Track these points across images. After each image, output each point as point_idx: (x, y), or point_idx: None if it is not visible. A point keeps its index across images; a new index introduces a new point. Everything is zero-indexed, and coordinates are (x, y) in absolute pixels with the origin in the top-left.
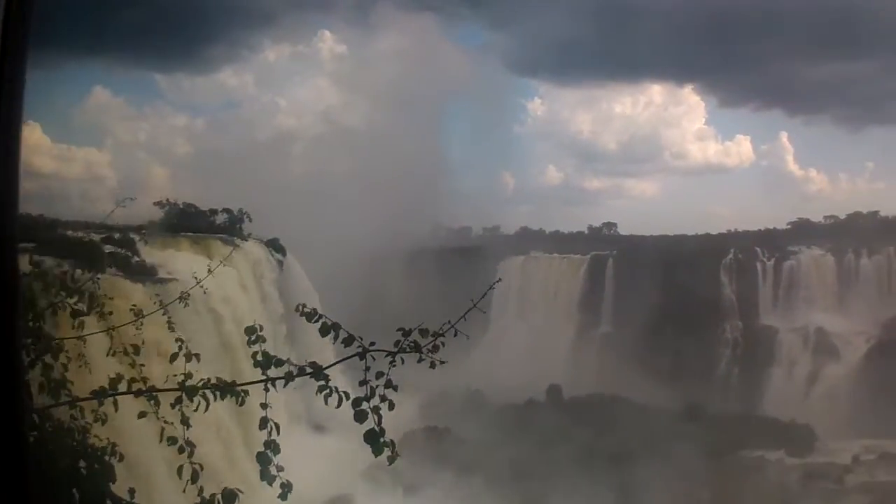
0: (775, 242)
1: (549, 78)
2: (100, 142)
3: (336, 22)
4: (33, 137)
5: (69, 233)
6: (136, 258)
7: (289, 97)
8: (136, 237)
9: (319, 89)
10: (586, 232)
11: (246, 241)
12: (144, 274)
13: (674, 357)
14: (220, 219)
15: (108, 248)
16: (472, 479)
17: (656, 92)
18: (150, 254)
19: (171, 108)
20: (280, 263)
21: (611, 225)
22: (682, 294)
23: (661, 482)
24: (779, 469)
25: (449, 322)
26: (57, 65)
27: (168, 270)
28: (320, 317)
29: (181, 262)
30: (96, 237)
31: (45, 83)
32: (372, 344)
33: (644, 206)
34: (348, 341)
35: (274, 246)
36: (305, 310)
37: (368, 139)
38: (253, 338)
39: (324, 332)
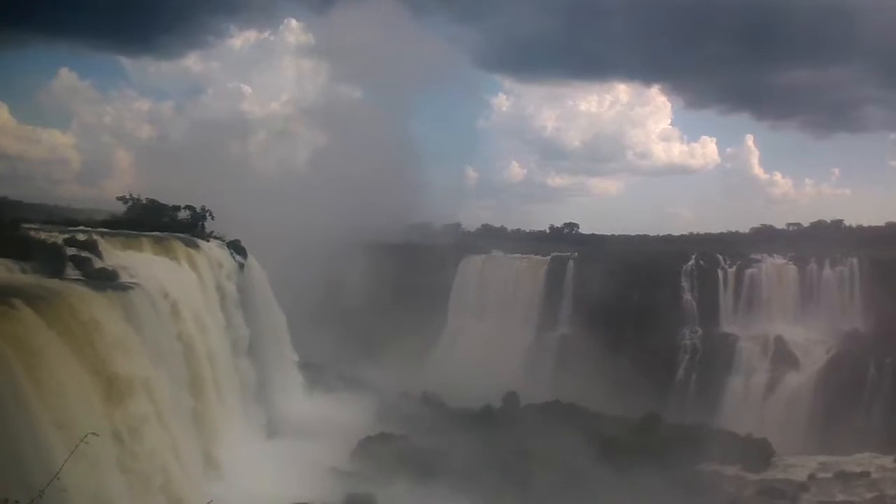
0: (737, 247)
1: (515, 74)
2: (65, 124)
3: (302, 10)
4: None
5: (31, 233)
6: (99, 261)
7: (254, 84)
8: (98, 238)
9: (284, 78)
10: (547, 231)
11: (207, 241)
12: (106, 278)
13: (632, 362)
14: (183, 215)
15: (70, 251)
16: (429, 487)
17: (622, 91)
18: (111, 254)
19: (137, 91)
20: (241, 266)
21: (572, 225)
22: (642, 298)
23: (615, 496)
24: (735, 484)
25: None
26: (23, 45)
27: (130, 273)
28: None
29: (143, 264)
30: (59, 238)
31: (10, 64)
32: None
33: (606, 205)
34: None
35: (235, 248)
36: None
37: (332, 130)
38: None
39: None
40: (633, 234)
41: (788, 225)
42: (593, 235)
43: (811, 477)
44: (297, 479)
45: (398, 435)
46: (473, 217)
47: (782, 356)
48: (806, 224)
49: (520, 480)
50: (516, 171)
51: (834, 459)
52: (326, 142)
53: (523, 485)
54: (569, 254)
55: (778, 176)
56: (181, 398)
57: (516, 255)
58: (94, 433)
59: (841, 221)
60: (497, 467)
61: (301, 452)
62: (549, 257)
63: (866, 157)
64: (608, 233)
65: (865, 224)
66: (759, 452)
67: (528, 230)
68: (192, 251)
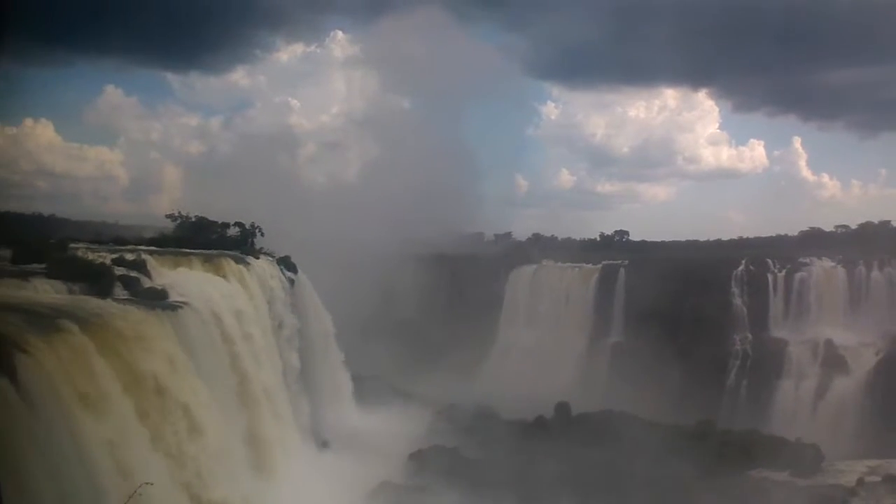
0: (786, 251)
1: (564, 81)
2: (112, 141)
3: (349, 22)
4: (45, 136)
5: (80, 252)
6: (148, 280)
7: (302, 97)
8: (147, 256)
9: (332, 90)
10: (598, 239)
11: (258, 258)
12: (155, 297)
13: (683, 369)
14: (232, 231)
15: (119, 271)
16: (482, 499)
17: (670, 96)
18: (160, 273)
19: (184, 107)
20: (291, 282)
21: (622, 232)
22: (693, 304)
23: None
24: (784, 490)
25: None
26: (68, 63)
27: (179, 293)
28: None
29: (193, 282)
30: (108, 257)
31: (56, 82)
32: None
33: (656, 211)
34: None
35: (285, 264)
36: None
37: (382, 141)
38: None
39: None
40: (682, 239)
41: (836, 227)
42: (644, 242)
43: (860, 482)
44: (348, 491)
45: (450, 447)
46: (524, 226)
47: (832, 360)
48: (854, 226)
49: (573, 491)
50: (566, 178)
51: (882, 463)
52: (377, 153)
53: (577, 494)
54: (620, 261)
55: (826, 178)
56: (231, 414)
57: (567, 263)
58: (148, 482)
59: (888, 222)
60: (550, 478)
61: (353, 465)
62: (600, 265)
63: None
64: (658, 239)
65: None
66: (808, 458)
67: (578, 238)
68: (242, 268)
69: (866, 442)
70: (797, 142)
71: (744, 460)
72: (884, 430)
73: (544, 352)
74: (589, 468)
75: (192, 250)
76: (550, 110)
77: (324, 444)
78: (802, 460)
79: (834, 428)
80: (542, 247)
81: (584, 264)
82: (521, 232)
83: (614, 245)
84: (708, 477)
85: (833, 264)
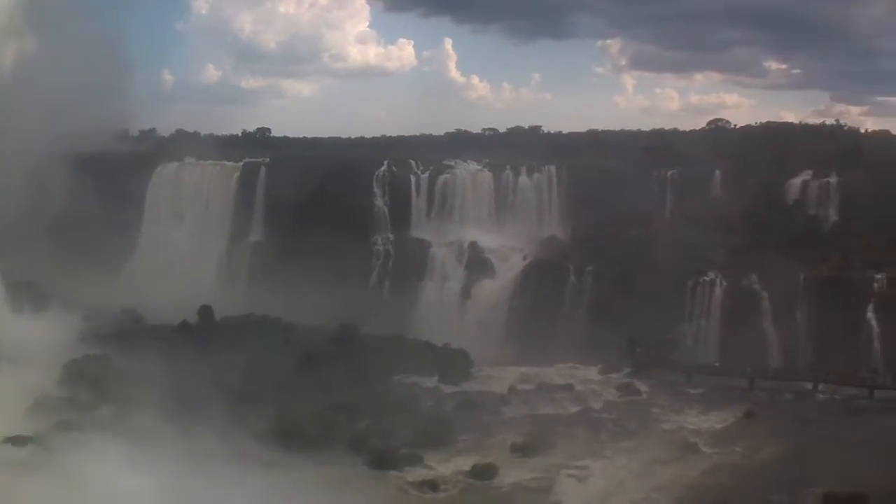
0: (432, 152)
1: None
2: None
3: None
4: None
5: None
6: None
7: None
8: None
9: None
10: (240, 135)
11: None
12: None
13: (326, 269)
14: None
15: None
16: (135, 409)
17: None
18: None
19: None
20: None
21: (264, 129)
22: (334, 204)
23: (315, 409)
24: (434, 397)
25: None
26: None
27: None
28: None
29: None
30: None
31: None
32: None
33: (301, 107)
34: None
35: None
36: None
37: (35, 34)
38: None
39: None
40: (325, 136)
41: (485, 129)
42: (286, 138)
43: (512, 389)
44: (4, 410)
45: (101, 356)
46: (170, 122)
47: (477, 263)
48: (503, 129)
49: (221, 398)
50: (211, 73)
51: (535, 371)
52: (31, 47)
53: (224, 401)
54: (261, 159)
55: (475, 79)
56: None
57: (209, 161)
58: None
59: (539, 128)
60: (197, 386)
61: (10, 379)
62: (241, 163)
63: (571, 64)
64: (301, 136)
65: (566, 131)
66: (457, 364)
67: (221, 135)
68: None
69: (516, 347)
70: (448, 43)
71: (391, 365)
72: (532, 335)
73: (187, 252)
74: (233, 374)
75: None
76: (201, 4)
77: None
78: (451, 366)
79: (482, 332)
80: (186, 143)
81: (226, 162)
82: (166, 128)
83: (257, 142)
84: (356, 383)
85: (479, 167)
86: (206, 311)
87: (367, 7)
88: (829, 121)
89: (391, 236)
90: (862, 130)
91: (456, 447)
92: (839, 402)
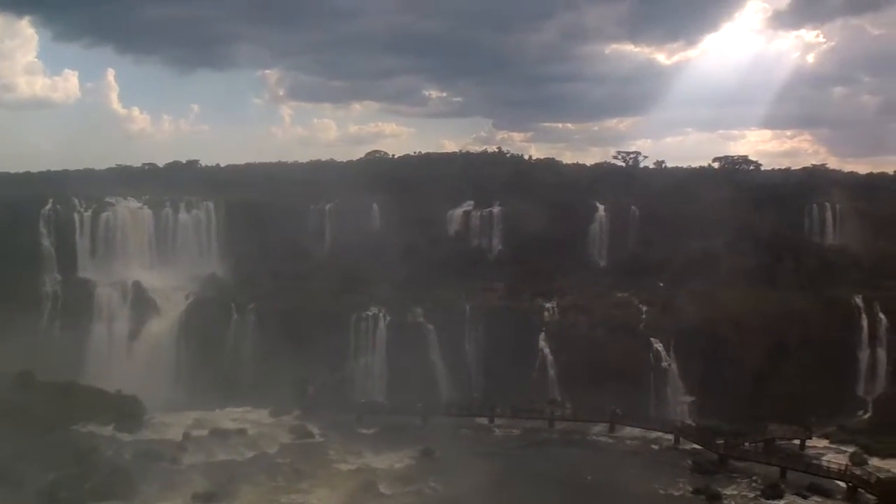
0: (94, 189)
1: None
2: None
3: None
4: None
5: None
6: None
7: None
8: None
9: None
10: None
11: None
12: None
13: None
14: None
15: None
16: None
17: None
18: None
19: None
20: None
21: None
22: (2, 244)
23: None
24: (113, 446)
25: None
26: None
27: None
28: None
29: None
30: None
31: None
32: None
33: None
34: None
35: None
36: None
37: None
38: None
39: None
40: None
41: (145, 164)
42: None
43: (186, 436)
44: None
45: None
46: None
47: (141, 303)
48: (161, 164)
49: None
50: None
51: (208, 415)
52: None
53: None
54: None
55: (136, 111)
56: None
57: None
58: None
59: (197, 162)
60: None
61: None
62: None
63: (229, 95)
64: None
65: (224, 164)
66: (130, 410)
67: None
68: None
69: (186, 389)
70: (111, 74)
71: (68, 413)
72: (201, 377)
73: None
74: None
75: None
76: None
77: None
78: (125, 413)
79: (152, 374)
80: None
81: None
82: None
83: None
84: (37, 430)
85: (140, 205)
86: None
87: (36, 36)
88: (492, 148)
89: (59, 277)
90: (526, 157)
91: (140, 497)
92: (519, 436)
